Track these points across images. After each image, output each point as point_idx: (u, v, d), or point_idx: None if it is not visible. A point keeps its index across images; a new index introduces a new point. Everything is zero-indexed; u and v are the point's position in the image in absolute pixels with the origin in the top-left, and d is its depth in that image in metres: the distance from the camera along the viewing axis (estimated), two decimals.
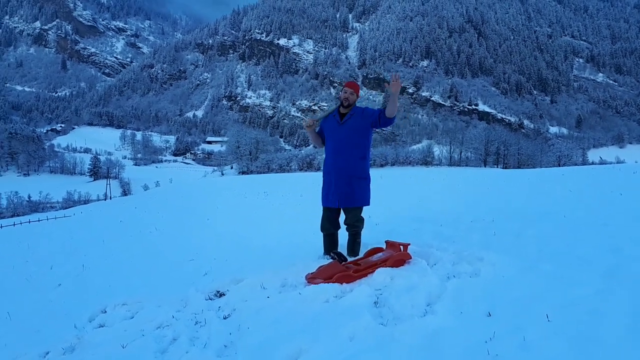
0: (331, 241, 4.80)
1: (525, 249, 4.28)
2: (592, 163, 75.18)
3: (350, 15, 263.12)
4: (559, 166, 52.33)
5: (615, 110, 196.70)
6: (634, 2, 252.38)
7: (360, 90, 4.68)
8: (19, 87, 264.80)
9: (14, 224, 36.71)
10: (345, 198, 4.58)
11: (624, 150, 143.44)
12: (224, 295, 3.91)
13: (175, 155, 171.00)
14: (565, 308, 2.75)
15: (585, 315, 2.61)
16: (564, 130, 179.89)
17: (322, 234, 4.86)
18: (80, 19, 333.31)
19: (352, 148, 4.57)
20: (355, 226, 4.72)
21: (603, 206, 6.84)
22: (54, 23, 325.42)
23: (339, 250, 4.70)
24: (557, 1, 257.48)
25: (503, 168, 61.92)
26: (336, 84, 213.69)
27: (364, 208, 4.76)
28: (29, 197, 70.57)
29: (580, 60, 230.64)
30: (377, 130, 4.78)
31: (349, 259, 4.42)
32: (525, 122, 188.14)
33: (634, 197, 7.79)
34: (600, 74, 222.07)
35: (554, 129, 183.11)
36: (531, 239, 4.69)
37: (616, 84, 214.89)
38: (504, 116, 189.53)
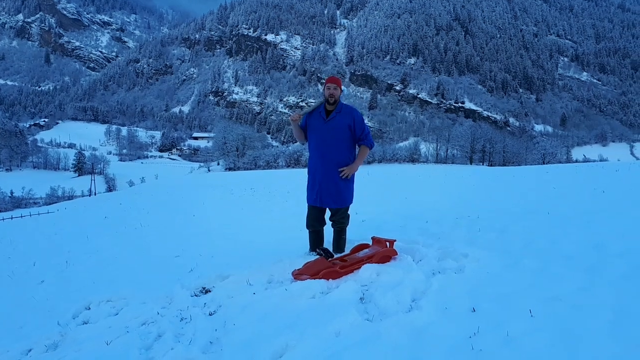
0: (317, 238, 4.79)
1: (509, 245, 4.33)
2: (576, 161, 76.37)
3: (338, 12, 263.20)
4: (544, 164, 52.97)
5: (598, 109, 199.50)
6: (618, 2, 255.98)
7: (342, 85, 4.62)
8: (1, 81, 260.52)
9: None
10: (332, 199, 4.55)
11: (607, 148, 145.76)
12: (210, 291, 3.90)
13: (161, 151, 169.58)
14: (549, 303, 2.78)
15: (568, 311, 2.65)
16: (549, 129, 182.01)
17: (307, 230, 4.86)
18: (64, 12, 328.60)
19: (337, 146, 4.50)
20: (341, 222, 4.71)
21: (586, 203, 6.94)
22: (37, 16, 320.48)
23: (324, 246, 4.71)
24: (543, 0, 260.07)
25: (489, 165, 62.51)
26: (324, 81, 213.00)
27: (352, 205, 4.75)
28: (12, 192, 69.40)
29: (565, 59, 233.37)
30: None
31: (335, 255, 4.43)
32: (511, 120, 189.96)
33: (617, 195, 7.92)
34: (585, 73, 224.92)
35: (539, 127, 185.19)
36: (515, 235, 4.74)
37: (600, 83, 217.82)
38: (490, 114, 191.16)
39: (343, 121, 4.48)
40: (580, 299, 2.81)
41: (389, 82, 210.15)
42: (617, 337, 2.30)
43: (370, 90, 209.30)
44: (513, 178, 15.52)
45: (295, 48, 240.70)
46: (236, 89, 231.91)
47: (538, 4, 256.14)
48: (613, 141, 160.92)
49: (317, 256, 4.32)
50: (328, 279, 3.65)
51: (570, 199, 7.89)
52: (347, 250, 4.64)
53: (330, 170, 4.51)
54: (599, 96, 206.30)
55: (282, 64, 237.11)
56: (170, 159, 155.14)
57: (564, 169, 19.40)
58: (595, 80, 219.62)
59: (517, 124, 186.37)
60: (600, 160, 68.64)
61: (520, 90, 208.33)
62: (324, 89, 4.55)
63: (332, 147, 4.50)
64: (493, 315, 2.71)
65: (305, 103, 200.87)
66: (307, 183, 4.77)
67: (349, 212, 4.77)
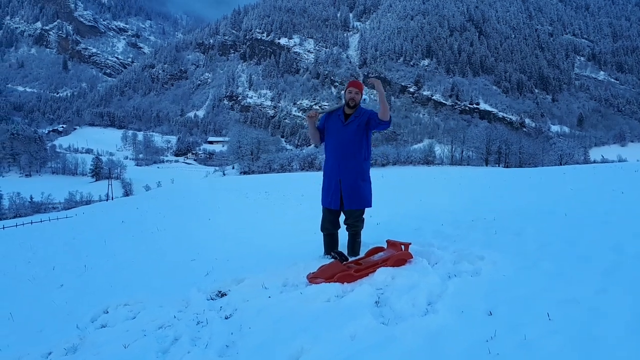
0: (331, 241, 4.80)
1: (526, 248, 4.28)
2: (594, 162, 75.11)
3: (351, 15, 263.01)
4: (561, 165, 52.30)
5: (616, 109, 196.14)
6: (635, 0, 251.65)
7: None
8: (20, 88, 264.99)
9: (16, 225, 36.78)
10: (348, 200, 4.57)
11: (626, 148, 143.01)
12: (226, 295, 3.92)
13: (176, 155, 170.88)
14: (566, 306, 2.75)
15: (586, 314, 2.61)
16: (566, 129, 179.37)
17: (322, 233, 4.86)
18: (81, 19, 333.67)
19: (355, 149, 4.55)
20: (355, 226, 4.72)
21: (604, 204, 6.83)
22: (55, 23, 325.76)
23: (339, 249, 4.71)
24: None
25: (504, 167, 61.87)
26: (337, 84, 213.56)
27: (366, 209, 4.76)
28: (31, 198, 70.55)
29: (582, 58, 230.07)
30: (374, 131, 4.76)
31: (350, 259, 4.42)
32: (527, 120, 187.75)
33: (636, 195, 7.78)
34: (602, 72, 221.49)
35: (555, 128, 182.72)
36: (532, 237, 4.69)
37: (617, 82, 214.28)
38: (505, 115, 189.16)
39: (360, 122, 4.54)
40: (597, 301, 2.77)
41: (402, 84, 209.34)
42: (636, 340, 2.26)
43: (384, 93, 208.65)
44: (529, 179, 15.35)
45: (309, 51, 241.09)
46: (250, 93, 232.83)
47: (553, 3, 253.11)
48: (632, 141, 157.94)
49: (332, 259, 4.32)
50: (343, 283, 3.65)
51: (587, 200, 7.78)
52: (361, 254, 4.63)
53: (349, 172, 4.54)
54: (616, 95, 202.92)
55: (296, 67, 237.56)
56: (186, 163, 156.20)
57: (581, 169, 19.14)
58: (612, 80, 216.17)
59: (533, 124, 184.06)
60: (619, 161, 67.44)
61: (536, 90, 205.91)
62: (345, 92, 4.59)
63: (350, 150, 4.54)
64: (510, 319, 2.69)
65: (319, 106, 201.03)
66: (322, 185, 4.79)
67: (363, 216, 4.77)
